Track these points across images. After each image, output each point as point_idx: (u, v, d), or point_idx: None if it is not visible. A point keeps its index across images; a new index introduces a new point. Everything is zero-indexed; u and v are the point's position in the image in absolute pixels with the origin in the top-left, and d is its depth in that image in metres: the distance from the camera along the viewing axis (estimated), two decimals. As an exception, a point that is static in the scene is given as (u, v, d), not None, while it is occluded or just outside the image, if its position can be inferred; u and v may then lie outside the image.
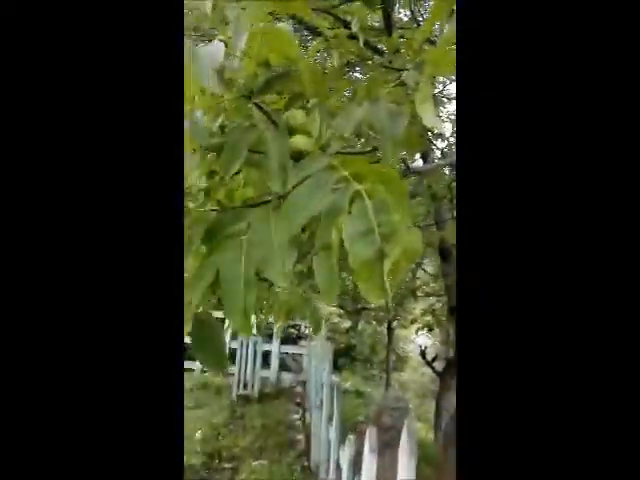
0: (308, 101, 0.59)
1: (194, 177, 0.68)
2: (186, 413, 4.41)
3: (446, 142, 3.92)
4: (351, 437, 2.59)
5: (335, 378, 3.94)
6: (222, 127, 0.62)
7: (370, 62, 2.24)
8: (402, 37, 2.37)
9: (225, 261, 0.50)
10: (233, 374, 4.90)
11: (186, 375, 4.39)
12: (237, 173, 0.61)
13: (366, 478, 1.83)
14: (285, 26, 0.55)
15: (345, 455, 2.31)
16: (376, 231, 0.37)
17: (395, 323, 6.65)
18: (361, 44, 1.19)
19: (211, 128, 0.60)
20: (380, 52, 2.08)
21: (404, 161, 0.78)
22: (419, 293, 5.40)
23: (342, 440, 2.90)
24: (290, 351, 5.81)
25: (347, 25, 2.41)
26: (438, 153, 3.92)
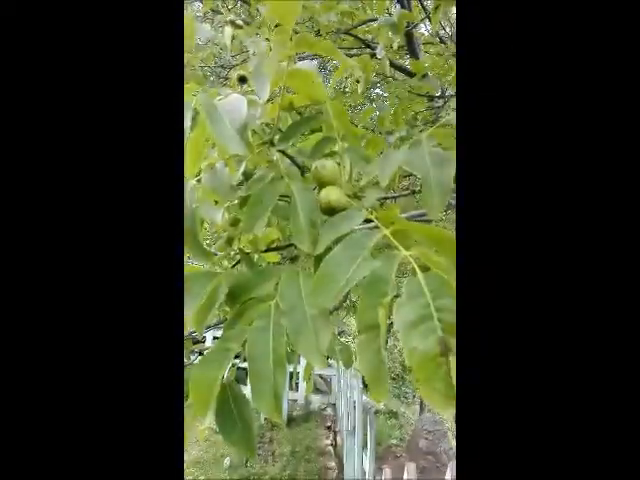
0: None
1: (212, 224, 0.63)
2: (213, 438, 4.37)
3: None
4: (387, 469, 2.46)
5: (366, 398, 3.80)
6: (246, 174, 0.57)
7: (392, 79, 2.19)
8: (426, 52, 2.32)
9: (252, 332, 0.44)
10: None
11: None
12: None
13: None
14: (310, 66, 0.50)
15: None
16: (435, 317, 0.30)
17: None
18: (386, 69, 1.14)
19: (234, 177, 0.55)
20: (404, 70, 2.03)
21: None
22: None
23: (377, 470, 2.77)
24: (319, 372, 5.69)
25: (368, 44, 2.38)
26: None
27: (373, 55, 1.38)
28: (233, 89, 0.87)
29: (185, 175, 0.48)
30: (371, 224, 0.44)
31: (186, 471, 3.94)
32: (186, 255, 0.56)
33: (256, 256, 0.79)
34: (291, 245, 0.78)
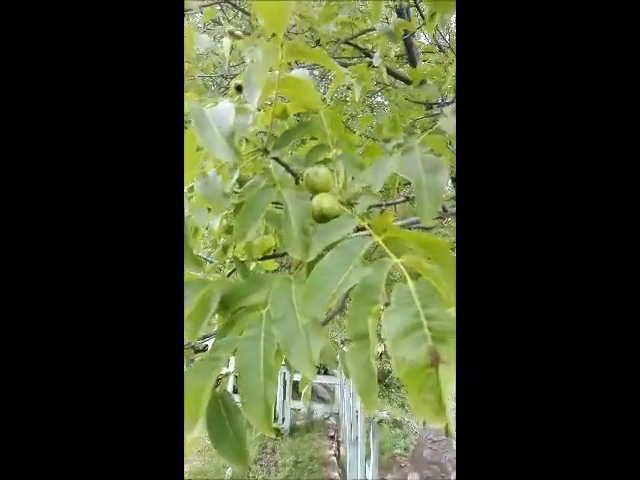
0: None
1: (208, 232, 0.62)
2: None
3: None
4: (390, 479, 2.41)
5: (374, 411, 3.75)
6: (240, 182, 0.57)
7: (392, 88, 2.20)
8: (425, 60, 2.33)
9: (243, 342, 0.43)
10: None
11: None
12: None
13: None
14: (303, 73, 0.50)
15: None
16: (425, 326, 0.29)
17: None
18: (384, 77, 1.15)
19: (227, 184, 0.55)
20: (402, 78, 2.04)
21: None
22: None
23: (381, 478, 2.72)
24: (321, 381, 5.64)
25: (368, 54, 2.40)
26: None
27: (371, 64, 1.39)
28: (232, 98, 0.88)
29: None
30: (364, 231, 0.43)
31: (188, 482, 3.89)
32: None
33: (254, 264, 0.79)
34: (287, 253, 0.78)
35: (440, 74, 1.09)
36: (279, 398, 4.92)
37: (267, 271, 0.85)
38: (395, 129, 0.85)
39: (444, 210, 0.70)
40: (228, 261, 0.68)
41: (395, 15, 1.42)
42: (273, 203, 0.53)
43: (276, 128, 0.55)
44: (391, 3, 2.02)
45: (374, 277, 0.35)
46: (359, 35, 2.28)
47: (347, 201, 0.49)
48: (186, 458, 4.08)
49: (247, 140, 0.51)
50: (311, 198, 0.47)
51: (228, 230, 0.65)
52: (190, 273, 0.69)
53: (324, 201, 0.45)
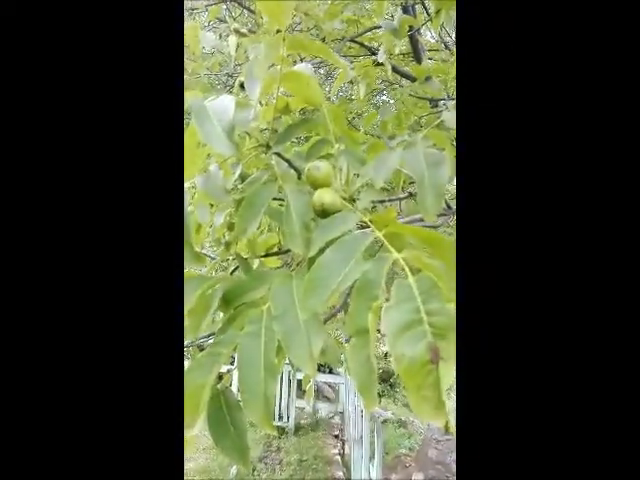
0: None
1: (212, 229, 0.62)
2: (221, 447, 4.32)
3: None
4: (394, 478, 2.41)
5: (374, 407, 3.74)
6: (242, 177, 0.57)
7: (398, 86, 2.18)
8: (430, 59, 2.31)
9: (243, 338, 0.43)
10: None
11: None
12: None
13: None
14: (305, 68, 0.49)
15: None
16: (425, 321, 0.29)
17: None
18: (389, 74, 1.14)
19: (229, 179, 0.55)
20: (408, 76, 2.03)
21: (444, 200, 0.69)
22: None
23: (385, 478, 2.72)
24: (326, 380, 5.63)
25: (374, 52, 2.39)
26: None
27: (376, 61, 1.38)
28: (236, 95, 0.87)
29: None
30: (367, 227, 0.43)
31: (193, 479, 3.91)
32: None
33: (257, 262, 0.79)
34: (290, 250, 0.77)
35: (445, 71, 1.08)
36: (284, 397, 4.93)
37: (270, 269, 0.85)
38: (400, 126, 0.85)
39: (448, 207, 0.69)
40: (231, 258, 0.68)
41: (400, 12, 1.41)
42: (276, 199, 0.53)
43: (280, 124, 0.55)
44: (397, 0, 2.01)
45: (374, 272, 0.34)
46: (364, 33, 2.27)
47: (349, 196, 0.49)
48: (191, 456, 4.10)
49: (250, 136, 0.51)
50: (312, 193, 0.47)
51: (230, 227, 0.65)
52: (192, 270, 0.69)
53: (325, 196, 0.45)
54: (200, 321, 0.54)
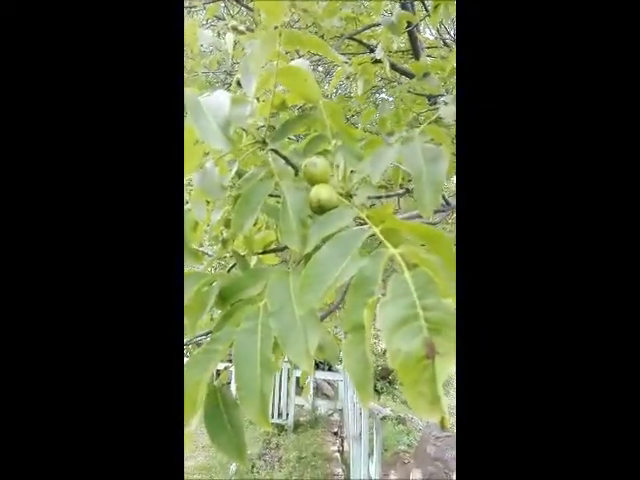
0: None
1: (211, 226, 0.62)
2: (221, 444, 4.33)
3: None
4: (393, 475, 2.42)
5: (373, 404, 3.76)
6: (239, 174, 0.56)
7: (397, 84, 2.18)
8: (429, 56, 2.30)
9: (240, 334, 0.43)
10: (267, 402, 4.80)
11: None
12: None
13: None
14: (302, 63, 0.49)
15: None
16: (421, 317, 0.28)
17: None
18: (387, 70, 1.13)
19: (226, 176, 0.54)
20: (407, 74, 2.02)
21: (442, 196, 0.69)
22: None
23: (384, 474, 2.73)
24: (325, 377, 5.64)
25: (372, 49, 2.38)
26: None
27: (378, 60, 1.37)
28: (234, 92, 0.87)
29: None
30: (364, 223, 0.43)
31: (192, 477, 3.92)
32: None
33: (255, 259, 0.78)
34: (287, 247, 0.77)
35: (443, 68, 1.07)
36: (283, 394, 4.93)
37: (268, 266, 0.85)
38: (398, 123, 0.84)
39: (446, 203, 0.69)
40: (229, 255, 0.68)
41: (398, 8, 1.41)
42: (273, 196, 0.53)
43: (276, 121, 0.55)
44: (395, -3, 2.00)
45: (371, 268, 0.34)
46: (363, 30, 2.26)
47: (346, 192, 0.49)
48: (190, 454, 4.11)
49: (246, 132, 0.51)
50: (309, 189, 0.46)
51: (227, 224, 0.64)
52: (189, 267, 0.68)
53: (322, 192, 0.45)
54: (197, 318, 0.54)
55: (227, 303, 0.49)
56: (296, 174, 0.55)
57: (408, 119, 1.15)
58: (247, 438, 0.48)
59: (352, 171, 0.48)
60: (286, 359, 0.51)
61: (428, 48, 2.39)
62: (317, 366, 5.51)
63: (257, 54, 0.42)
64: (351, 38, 2.28)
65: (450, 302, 0.28)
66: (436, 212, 0.68)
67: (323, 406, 5.44)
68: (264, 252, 0.76)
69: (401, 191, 0.59)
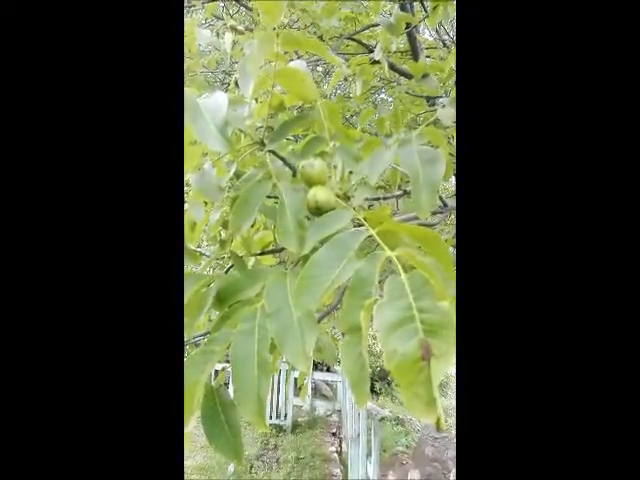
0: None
1: (209, 227, 0.62)
2: (219, 444, 4.33)
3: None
4: (391, 475, 2.42)
5: (371, 405, 3.76)
6: (237, 175, 0.56)
7: (395, 84, 2.18)
8: (428, 57, 2.31)
9: (237, 335, 0.43)
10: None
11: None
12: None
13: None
14: (299, 64, 0.49)
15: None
16: (417, 319, 0.29)
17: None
18: (385, 71, 1.13)
19: (224, 177, 0.54)
20: (406, 74, 2.03)
21: (440, 197, 0.69)
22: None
23: (382, 475, 2.73)
24: (323, 378, 5.64)
25: (371, 50, 2.38)
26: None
27: (373, 59, 1.37)
28: (232, 93, 0.87)
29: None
30: (361, 225, 0.43)
31: (191, 477, 3.91)
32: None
33: (253, 260, 0.78)
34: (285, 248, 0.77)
35: (442, 69, 1.07)
36: (281, 395, 4.93)
37: (266, 267, 0.85)
38: (397, 124, 0.84)
39: (444, 205, 0.69)
40: (227, 256, 0.68)
41: (397, 9, 1.41)
42: (271, 197, 0.53)
43: (274, 122, 0.55)
44: (395, -2, 2.01)
45: (367, 270, 0.34)
46: (362, 31, 2.27)
47: (344, 194, 0.49)
48: (189, 454, 4.10)
49: (244, 133, 0.51)
50: (307, 191, 0.47)
51: (225, 224, 0.64)
52: (187, 267, 0.68)
53: (319, 194, 0.45)
54: (195, 319, 0.54)
55: (225, 304, 0.49)
56: (294, 175, 0.55)
57: (407, 120, 1.15)
58: (245, 439, 0.48)
59: (350, 172, 0.48)
60: (284, 360, 0.51)
61: (427, 49, 2.40)
62: (315, 367, 5.50)
63: (255, 55, 0.42)
64: (350, 38, 2.28)
65: (445, 304, 0.28)
66: (435, 213, 0.68)
67: (321, 407, 5.43)
68: (262, 253, 0.76)
69: (399, 193, 0.59)
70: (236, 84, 0.98)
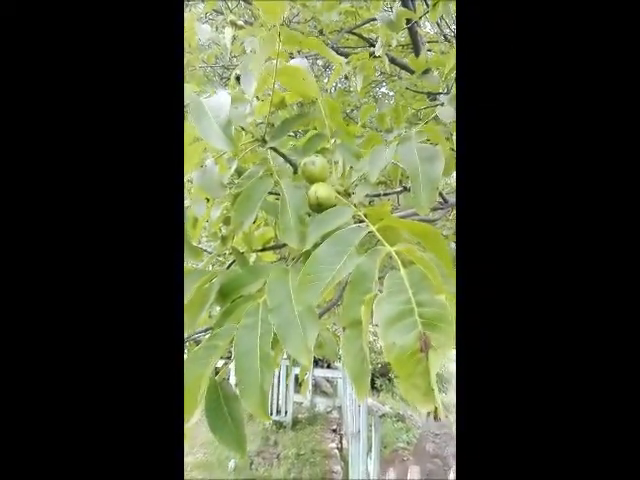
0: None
1: (209, 224, 0.63)
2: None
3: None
4: (392, 472, 2.44)
5: (372, 401, 3.78)
6: (239, 172, 0.57)
7: (397, 78, 2.17)
8: (430, 50, 2.30)
9: (240, 330, 0.43)
10: (266, 398, 4.82)
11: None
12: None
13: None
14: (301, 63, 0.50)
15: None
16: (416, 312, 0.29)
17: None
18: (386, 66, 1.13)
19: (225, 174, 0.55)
20: (407, 68, 2.02)
21: (440, 194, 0.70)
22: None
23: (382, 471, 2.75)
24: (323, 374, 5.66)
25: (372, 43, 2.37)
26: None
27: (374, 53, 1.37)
28: (232, 89, 0.87)
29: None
30: (362, 221, 0.43)
31: (191, 473, 3.94)
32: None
33: (254, 256, 0.79)
34: (286, 244, 0.78)
35: (443, 64, 1.07)
36: (282, 391, 4.95)
37: (267, 263, 0.85)
38: (397, 119, 0.85)
39: (445, 201, 0.69)
40: (228, 252, 0.68)
41: (398, 4, 1.41)
42: (271, 193, 0.54)
43: (275, 118, 0.55)
44: (395, -7, 2.00)
45: (367, 266, 0.35)
46: (363, 24, 2.26)
47: (345, 190, 0.49)
48: (189, 451, 4.12)
49: (245, 130, 0.51)
50: (308, 187, 0.47)
51: (226, 221, 0.65)
52: (190, 264, 0.69)
53: (320, 190, 0.45)
54: (197, 314, 0.54)
55: (227, 299, 0.50)
56: (294, 172, 0.55)
57: (407, 115, 1.15)
58: (246, 435, 0.49)
59: (351, 167, 0.49)
60: (285, 357, 0.51)
61: (428, 42, 2.39)
62: (316, 363, 5.52)
63: (257, 55, 0.43)
64: (350, 32, 2.28)
65: (443, 298, 0.29)
66: (435, 209, 0.68)
67: (322, 404, 5.46)
68: (263, 249, 0.77)
69: (399, 189, 0.59)
70: (237, 80, 0.98)
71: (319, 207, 0.46)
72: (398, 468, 3.95)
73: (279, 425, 4.82)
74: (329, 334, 1.18)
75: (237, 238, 0.70)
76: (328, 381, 5.93)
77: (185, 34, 1.30)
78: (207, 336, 0.46)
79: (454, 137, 0.52)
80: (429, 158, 0.41)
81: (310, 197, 0.46)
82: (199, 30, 1.32)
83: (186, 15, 1.29)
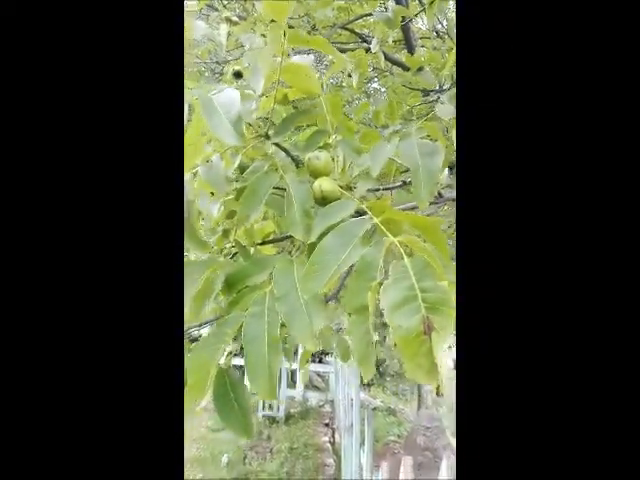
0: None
1: (209, 218, 0.64)
2: (211, 435, 4.39)
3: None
4: (384, 464, 2.49)
5: (364, 395, 3.83)
6: (241, 167, 0.59)
7: (389, 73, 2.19)
8: (422, 46, 2.32)
9: (248, 317, 0.45)
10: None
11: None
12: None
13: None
14: (305, 60, 0.51)
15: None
16: (419, 297, 0.31)
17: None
18: (381, 63, 1.15)
19: (230, 169, 0.56)
20: (399, 64, 2.04)
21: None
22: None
23: (375, 464, 2.80)
24: (315, 369, 5.70)
25: (364, 39, 2.39)
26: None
27: (369, 49, 1.39)
28: (228, 84, 0.88)
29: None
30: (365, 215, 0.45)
31: (185, 469, 3.95)
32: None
33: (252, 250, 0.81)
34: (286, 238, 0.80)
35: (437, 60, 1.10)
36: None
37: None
38: (392, 116, 0.87)
39: (439, 196, 0.72)
40: (229, 246, 0.70)
41: (393, 1, 1.42)
42: (272, 188, 0.55)
43: (276, 114, 0.57)
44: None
45: (372, 255, 0.37)
46: (355, 20, 2.27)
47: (346, 185, 0.51)
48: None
49: (249, 124, 0.53)
50: (312, 182, 0.49)
51: (229, 215, 0.66)
52: (192, 257, 0.70)
53: (325, 184, 0.47)
54: (202, 304, 0.56)
55: (233, 290, 0.52)
56: (297, 166, 0.57)
57: (402, 112, 1.18)
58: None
59: (351, 162, 0.51)
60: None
61: (421, 38, 2.41)
62: (308, 358, 5.54)
63: (265, 52, 0.44)
64: (343, 27, 2.29)
65: (445, 284, 0.31)
66: (430, 204, 0.70)
67: (314, 398, 5.50)
68: (263, 243, 0.78)
69: (398, 184, 0.61)
70: (234, 75, 0.98)
71: (324, 200, 0.47)
72: (390, 461, 4.01)
73: (272, 420, 4.85)
74: (325, 327, 1.19)
75: (239, 232, 0.71)
76: (320, 375, 5.98)
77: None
78: (215, 323, 0.48)
79: (450, 133, 0.54)
80: (429, 153, 0.43)
81: (315, 191, 0.48)
82: (193, 26, 1.32)
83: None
